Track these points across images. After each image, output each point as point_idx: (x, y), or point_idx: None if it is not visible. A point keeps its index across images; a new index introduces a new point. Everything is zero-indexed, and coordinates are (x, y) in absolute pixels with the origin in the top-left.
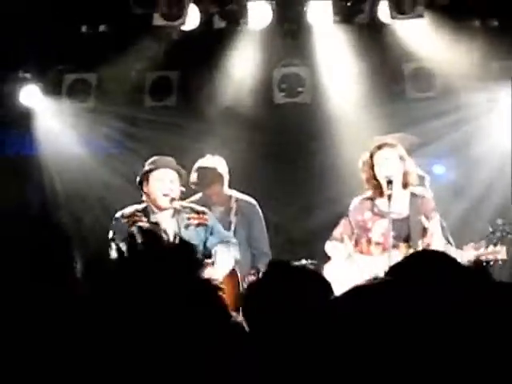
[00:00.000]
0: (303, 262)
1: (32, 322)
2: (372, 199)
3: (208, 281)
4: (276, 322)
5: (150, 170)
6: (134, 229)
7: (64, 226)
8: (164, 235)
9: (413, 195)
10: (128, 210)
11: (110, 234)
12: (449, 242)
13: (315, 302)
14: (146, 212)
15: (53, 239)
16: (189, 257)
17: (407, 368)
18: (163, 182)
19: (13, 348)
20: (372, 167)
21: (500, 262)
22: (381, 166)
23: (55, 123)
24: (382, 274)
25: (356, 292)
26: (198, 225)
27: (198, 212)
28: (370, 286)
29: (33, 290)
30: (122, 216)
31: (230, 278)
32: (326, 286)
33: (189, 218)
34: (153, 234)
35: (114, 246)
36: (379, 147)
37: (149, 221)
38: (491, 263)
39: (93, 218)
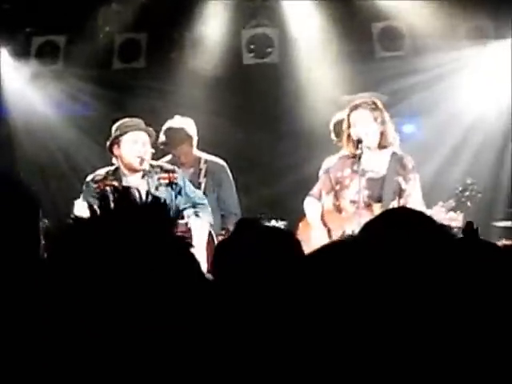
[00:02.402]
0: (273, 222)
1: None
2: (354, 157)
3: (181, 238)
4: (244, 279)
5: (121, 134)
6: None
7: (31, 187)
8: (136, 195)
9: (394, 155)
10: (98, 173)
11: (81, 199)
12: None
13: (283, 259)
14: (116, 175)
15: (20, 200)
16: (161, 214)
17: (373, 328)
18: (136, 145)
19: None
20: (349, 126)
21: (456, 230)
22: (355, 126)
23: (24, 85)
24: (352, 232)
25: (325, 250)
26: (168, 184)
27: (167, 171)
28: (338, 244)
29: None
30: (93, 180)
31: (207, 243)
32: (295, 244)
33: (159, 178)
34: (125, 193)
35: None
36: (356, 107)
37: (120, 184)
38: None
39: (61, 179)
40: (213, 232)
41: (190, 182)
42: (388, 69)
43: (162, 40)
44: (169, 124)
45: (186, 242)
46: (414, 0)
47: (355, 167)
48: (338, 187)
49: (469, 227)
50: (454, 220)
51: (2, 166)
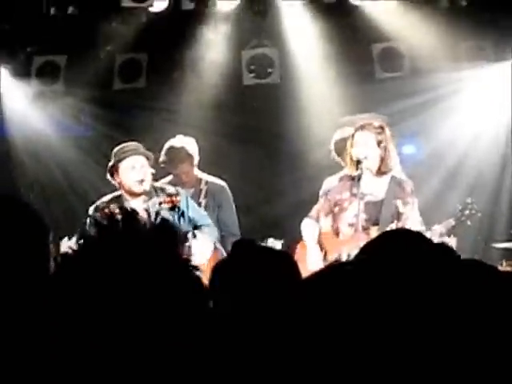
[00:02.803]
0: (270, 240)
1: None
2: (354, 179)
3: (187, 260)
4: (240, 301)
5: (119, 160)
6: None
7: (34, 209)
8: (143, 217)
9: (393, 178)
10: (101, 200)
11: (87, 227)
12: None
13: (279, 281)
14: (119, 201)
15: (22, 223)
16: (168, 237)
17: (374, 350)
18: (134, 170)
19: None
20: (351, 146)
21: None
22: (356, 147)
23: (24, 106)
24: (348, 256)
25: (323, 273)
26: (171, 208)
27: (170, 194)
28: (335, 267)
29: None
30: (96, 209)
31: (214, 259)
32: (292, 266)
33: (161, 203)
34: (132, 215)
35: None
36: (361, 127)
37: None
38: None
39: (63, 201)
40: (222, 249)
41: None
42: (388, 90)
43: (162, 60)
44: (170, 143)
45: (191, 265)
46: (414, 21)
47: (354, 190)
48: (336, 209)
49: None
50: (449, 244)
51: (3, 186)
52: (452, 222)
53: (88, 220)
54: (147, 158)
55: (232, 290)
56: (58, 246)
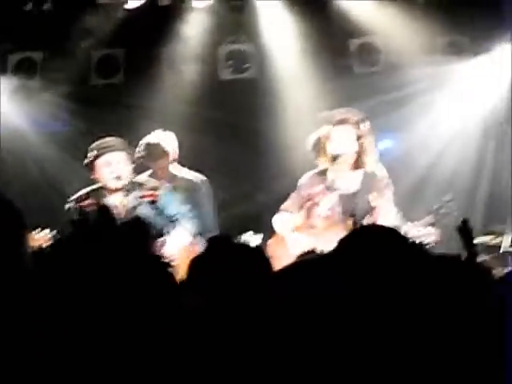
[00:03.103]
0: (248, 234)
1: None
2: (324, 173)
3: (158, 257)
4: (213, 295)
5: (96, 157)
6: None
7: (10, 204)
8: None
9: (365, 173)
10: (80, 193)
11: (64, 221)
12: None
13: (252, 277)
14: (98, 194)
15: (8, 218)
16: (141, 233)
17: (337, 347)
18: (111, 166)
19: None
20: (327, 140)
21: (432, 244)
22: (333, 142)
23: (1, 102)
24: (325, 249)
25: (296, 268)
26: (150, 202)
27: (150, 189)
28: (307, 262)
29: None
30: (75, 201)
31: (191, 251)
32: (265, 262)
33: (141, 197)
34: (105, 211)
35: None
36: (342, 121)
37: (100, 203)
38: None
39: (40, 196)
40: (197, 242)
41: None
42: (365, 85)
43: (139, 56)
44: (146, 139)
45: (162, 261)
46: (391, 16)
47: (327, 183)
48: (308, 204)
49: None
50: (431, 234)
51: None
52: (429, 219)
53: (66, 211)
54: (127, 153)
55: (205, 285)
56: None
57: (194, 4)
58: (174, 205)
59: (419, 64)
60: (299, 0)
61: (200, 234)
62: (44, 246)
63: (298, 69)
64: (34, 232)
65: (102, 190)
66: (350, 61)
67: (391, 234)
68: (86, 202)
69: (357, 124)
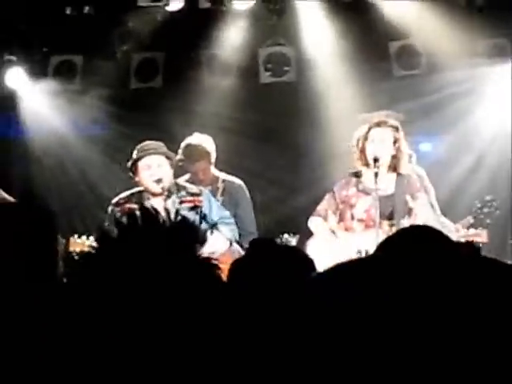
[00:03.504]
0: (285, 236)
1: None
2: (358, 175)
3: (207, 259)
4: (258, 300)
5: (138, 159)
6: (133, 209)
7: (50, 210)
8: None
9: (399, 175)
10: (122, 196)
11: (106, 223)
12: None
13: (297, 279)
14: (140, 197)
15: (38, 223)
16: (189, 237)
17: (388, 353)
18: (152, 169)
19: None
20: (365, 141)
21: (481, 245)
22: (372, 144)
23: (41, 105)
24: (364, 250)
25: (340, 269)
26: (192, 208)
27: (192, 194)
28: (354, 263)
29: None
30: (116, 203)
31: (230, 257)
32: (309, 264)
33: (182, 202)
34: (151, 213)
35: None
36: (378, 124)
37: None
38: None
39: (79, 199)
40: (238, 248)
41: None
42: (405, 87)
43: (179, 59)
44: (187, 141)
45: (211, 264)
46: (431, 19)
47: (362, 186)
48: (343, 206)
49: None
50: (479, 235)
51: (20, 185)
52: (470, 219)
53: (108, 214)
54: (167, 158)
55: (249, 288)
56: (67, 245)
57: (234, 7)
58: (215, 211)
59: (459, 66)
60: (339, 3)
61: (240, 235)
62: (87, 250)
63: (338, 72)
64: (74, 236)
65: (143, 194)
66: (390, 63)
67: (437, 235)
68: (127, 206)
69: (394, 127)
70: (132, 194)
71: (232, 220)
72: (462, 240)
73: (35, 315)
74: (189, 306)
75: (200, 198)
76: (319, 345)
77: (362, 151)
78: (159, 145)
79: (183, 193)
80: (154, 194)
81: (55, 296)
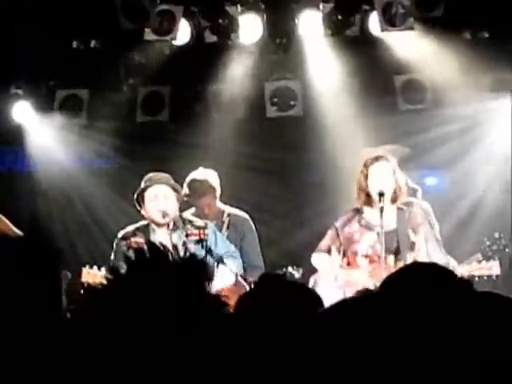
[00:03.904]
0: (289, 269)
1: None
2: (359, 211)
3: (217, 297)
4: (265, 334)
5: (145, 188)
6: (140, 243)
7: (56, 243)
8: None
9: (399, 209)
10: (127, 230)
11: (112, 257)
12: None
13: (304, 315)
14: (145, 230)
15: (44, 256)
16: (197, 273)
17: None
18: (157, 199)
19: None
20: (366, 178)
21: (494, 278)
22: (375, 179)
23: (47, 139)
24: (369, 287)
25: (345, 305)
26: (198, 241)
27: (198, 227)
28: (358, 299)
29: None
30: (122, 237)
31: (235, 291)
32: (317, 300)
33: (188, 235)
34: (159, 249)
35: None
36: (376, 159)
37: (147, 240)
38: (485, 278)
39: (85, 232)
40: (243, 282)
41: None
42: (410, 122)
43: (185, 93)
44: (192, 176)
45: (220, 302)
46: (437, 53)
47: (363, 222)
48: (346, 242)
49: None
50: (491, 268)
51: (26, 219)
52: (479, 257)
53: (114, 249)
54: (174, 190)
55: (257, 324)
56: (78, 278)
57: (241, 41)
58: (220, 244)
59: (465, 101)
60: (345, 37)
61: (245, 268)
62: (97, 283)
63: (344, 106)
64: (86, 267)
65: (148, 227)
66: (396, 98)
67: (440, 272)
68: (134, 240)
69: (390, 160)
70: (137, 228)
71: (237, 253)
72: (476, 273)
73: (40, 351)
74: (200, 345)
75: (205, 231)
76: (326, 377)
77: (362, 190)
78: (166, 176)
79: (188, 226)
80: (159, 225)
81: (61, 334)
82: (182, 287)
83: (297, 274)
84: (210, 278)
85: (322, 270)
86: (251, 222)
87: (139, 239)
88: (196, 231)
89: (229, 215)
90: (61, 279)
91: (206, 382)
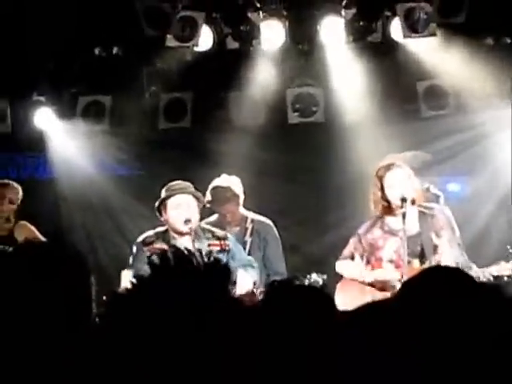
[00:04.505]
0: (313, 275)
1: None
2: (382, 218)
3: (240, 301)
4: (275, 341)
5: (167, 197)
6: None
7: (78, 251)
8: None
9: (421, 213)
10: (148, 235)
11: (130, 261)
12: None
13: (317, 320)
14: (166, 237)
15: (67, 264)
16: (221, 278)
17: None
18: (181, 208)
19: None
20: (382, 189)
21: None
22: (393, 187)
23: (69, 146)
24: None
25: (367, 310)
26: (220, 251)
27: (219, 238)
28: (380, 304)
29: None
30: (143, 242)
31: (250, 299)
32: (329, 304)
33: (209, 245)
34: (185, 254)
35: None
36: (388, 168)
37: (170, 246)
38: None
39: (107, 240)
40: (256, 291)
41: (236, 240)
42: (433, 127)
43: (207, 99)
44: (215, 183)
45: (244, 307)
46: (459, 58)
47: (386, 228)
48: (369, 249)
49: None
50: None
51: (47, 226)
52: (504, 264)
53: (133, 253)
54: (196, 198)
55: (266, 331)
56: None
57: (263, 47)
58: (241, 255)
59: (488, 106)
60: (366, 43)
61: (268, 275)
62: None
63: (365, 112)
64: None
65: (168, 233)
66: (418, 104)
67: (460, 276)
68: (157, 246)
69: (401, 165)
70: (157, 234)
71: (256, 264)
72: (506, 273)
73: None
74: (223, 348)
75: (227, 242)
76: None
77: (379, 200)
78: (188, 185)
79: (209, 235)
80: (181, 234)
81: (89, 340)
82: (206, 291)
83: (320, 281)
84: (233, 282)
85: (349, 275)
86: (275, 229)
87: (162, 245)
88: (217, 242)
89: (252, 221)
90: (90, 285)
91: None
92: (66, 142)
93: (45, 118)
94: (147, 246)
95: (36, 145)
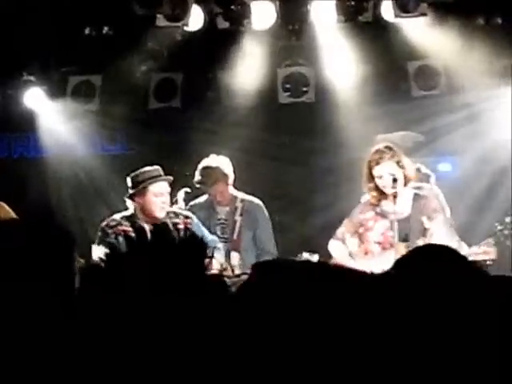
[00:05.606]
0: (305, 254)
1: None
2: (376, 203)
3: (218, 276)
4: (258, 322)
5: (149, 184)
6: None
7: (68, 229)
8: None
9: (416, 195)
10: (113, 218)
11: (95, 243)
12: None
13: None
14: (131, 220)
15: (56, 243)
16: (198, 250)
17: (402, 363)
18: (161, 196)
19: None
20: (372, 178)
21: (490, 262)
22: (383, 179)
23: (59, 125)
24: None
25: (358, 284)
26: (183, 230)
27: (183, 216)
28: (368, 278)
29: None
30: (108, 225)
31: None
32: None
33: (174, 224)
34: (162, 229)
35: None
36: (377, 162)
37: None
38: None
39: (96, 217)
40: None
41: (226, 220)
42: (424, 107)
43: (197, 79)
44: (204, 163)
45: (222, 281)
46: (450, 39)
47: (378, 210)
48: (361, 230)
49: None
50: (488, 253)
51: (37, 205)
52: (491, 241)
53: (99, 235)
54: (169, 184)
55: (252, 312)
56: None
57: (253, 27)
58: (205, 233)
59: (479, 86)
60: (358, 23)
61: (259, 255)
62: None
63: (356, 92)
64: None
65: (135, 216)
66: (409, 84)
67: (450, 253)
68: (119, 228)
69: (390, 153)
70: (122, 217)
71: (220, 245)
72: (473, 257)
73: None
74: (200, 321)
75: (189, 221)
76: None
77: (374, 188)
78: (161, 170)
79: (173, 215)
80: (149, 218)
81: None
82: (183, 264)
83: (313, 259)
84: (210, 256)
85: (336, 258)
86: (264, 208)
87: (127, 228)
88: (180, 220)
89: (242, 201)
90: (74, 261)
91: (207, 361)
92: (56, 121)
93: (35, 98)
94: (112, 228)
95: (26, 124)
